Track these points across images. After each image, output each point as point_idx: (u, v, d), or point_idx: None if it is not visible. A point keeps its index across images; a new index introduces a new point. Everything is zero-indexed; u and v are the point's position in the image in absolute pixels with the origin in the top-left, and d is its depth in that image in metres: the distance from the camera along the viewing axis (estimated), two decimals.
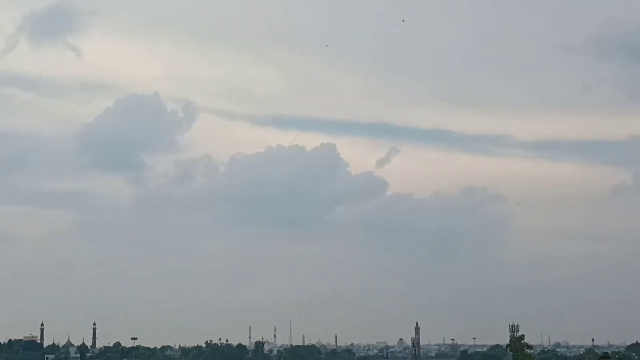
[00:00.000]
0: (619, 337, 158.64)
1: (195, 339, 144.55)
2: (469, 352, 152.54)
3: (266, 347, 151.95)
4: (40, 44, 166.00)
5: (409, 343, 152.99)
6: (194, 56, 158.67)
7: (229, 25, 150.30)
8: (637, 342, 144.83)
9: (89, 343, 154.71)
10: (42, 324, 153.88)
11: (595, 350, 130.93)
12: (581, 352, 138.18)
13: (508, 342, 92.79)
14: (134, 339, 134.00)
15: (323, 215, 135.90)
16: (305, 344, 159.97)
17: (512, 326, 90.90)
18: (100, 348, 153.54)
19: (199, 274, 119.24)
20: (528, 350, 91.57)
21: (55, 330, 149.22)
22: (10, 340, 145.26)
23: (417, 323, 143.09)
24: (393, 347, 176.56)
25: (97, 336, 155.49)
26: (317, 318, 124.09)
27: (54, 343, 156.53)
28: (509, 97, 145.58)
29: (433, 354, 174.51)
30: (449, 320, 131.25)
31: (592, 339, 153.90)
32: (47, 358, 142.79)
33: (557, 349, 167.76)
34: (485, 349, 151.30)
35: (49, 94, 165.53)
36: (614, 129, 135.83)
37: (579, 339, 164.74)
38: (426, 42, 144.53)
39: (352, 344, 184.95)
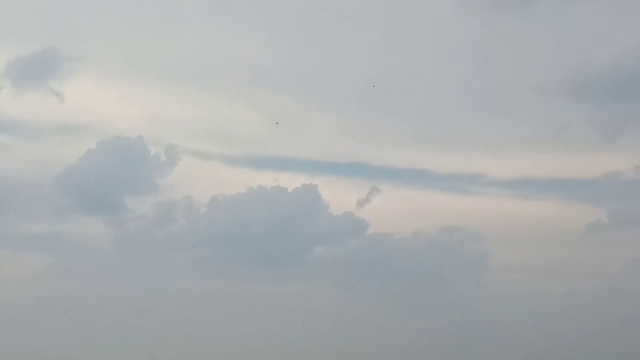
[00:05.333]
0: None
1: None
2: None
3: None
4: (23, 90, 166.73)
5: None
6: (177, 98, 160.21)
7: (213, 67, 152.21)
8: None
9: None
10: None
11: None
12: None
13: None
14: None
15: (304, 256, 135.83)
16: None
17: None
18: None
19: (178, 316, 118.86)
20: None
21: None
22: None
23: None
24: None
25: None
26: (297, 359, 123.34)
27: None
28: (484, 136, 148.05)
29: None
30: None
31: None
32: None
33: None
34: None
35: (30, 137, 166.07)
36: (589, 168, 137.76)
37: None
38: (401, 82, 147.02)
39: None
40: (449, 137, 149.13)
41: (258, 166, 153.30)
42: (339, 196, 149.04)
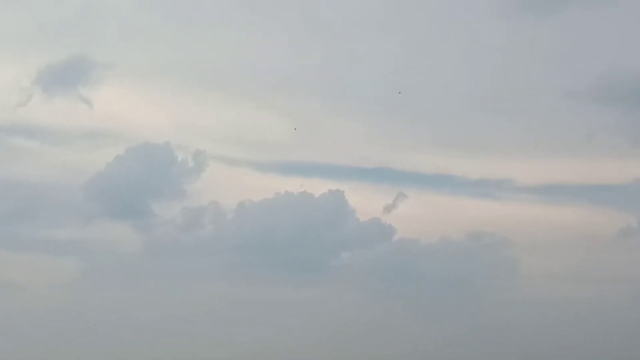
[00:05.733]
0: None
1: None
2: None
3: None
4: (53, 97, 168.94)
5: None
6: (204, 104, 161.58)
7: (240, 74, 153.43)
8: None
9: None
10: None
11: None
12: None
13: None
14: None
15: (331, 261, 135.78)
16: None
17: None
18: None
19: (206, 320, 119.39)
20: None
21: None
22: None
23: None
24: None
25: None
26: None
27: None
28: (511, 142, 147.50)
29: None
30: None
31: None
32: None
33: None
34: None
35: (59, 144, 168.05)
36: (618, 173, 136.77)
37: None
38: (427, 88, 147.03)
39: None
40: (475, 142, 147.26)
41: (285, 172, 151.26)
42: (365, 202, 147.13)
